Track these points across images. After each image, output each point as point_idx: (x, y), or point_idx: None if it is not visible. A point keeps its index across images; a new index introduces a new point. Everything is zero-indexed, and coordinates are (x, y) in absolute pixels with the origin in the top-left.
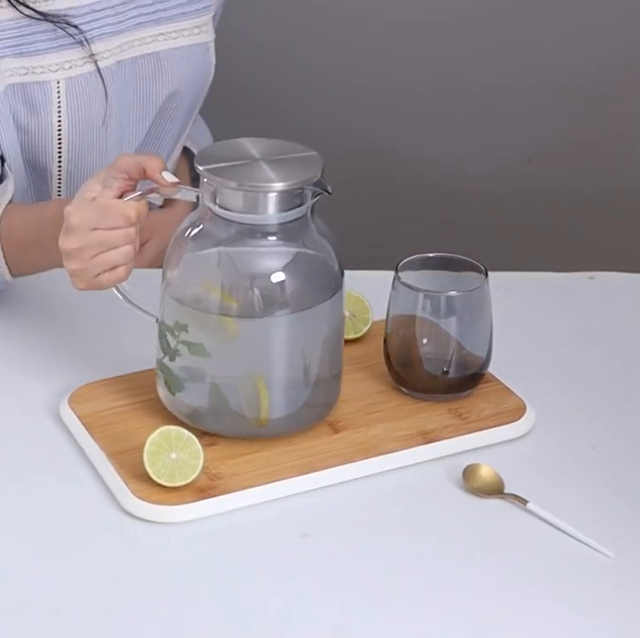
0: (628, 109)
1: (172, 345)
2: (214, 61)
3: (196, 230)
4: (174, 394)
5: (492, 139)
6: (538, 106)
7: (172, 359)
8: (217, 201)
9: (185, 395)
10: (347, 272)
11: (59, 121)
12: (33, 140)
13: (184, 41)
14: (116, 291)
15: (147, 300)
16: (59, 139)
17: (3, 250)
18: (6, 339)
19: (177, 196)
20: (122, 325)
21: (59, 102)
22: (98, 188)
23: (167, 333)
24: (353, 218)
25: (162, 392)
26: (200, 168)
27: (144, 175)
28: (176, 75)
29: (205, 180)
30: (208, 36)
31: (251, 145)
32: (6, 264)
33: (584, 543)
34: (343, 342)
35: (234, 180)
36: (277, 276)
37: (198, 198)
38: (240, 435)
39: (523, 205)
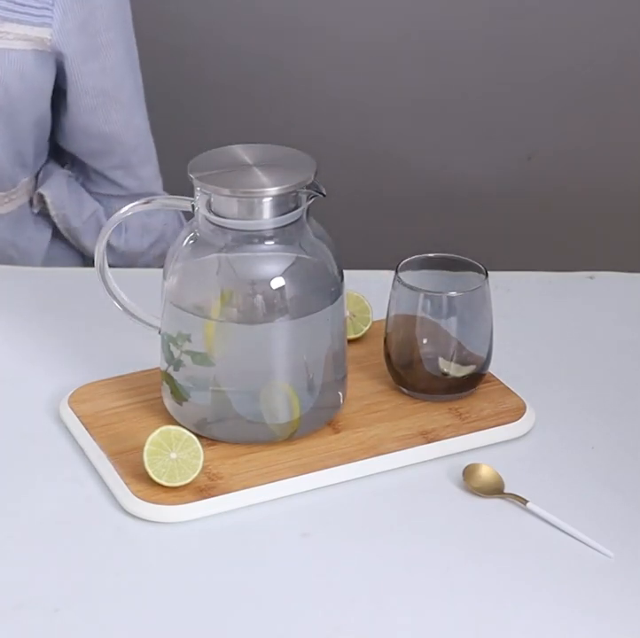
0: (629, 108)
1: (176, 355)
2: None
3: (193, 239)
4: (180, 404)
5: (491, 137)
6: (538, 104)
7: (176, 369)
8: (212, 209)
9: (192, 405)
10: (346, 272)
11: None
12: None
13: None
14: (116, 304)
15: (147, 309)
16: None
17: None
18: (6, 339)
19: (172, 207)
20: (123, 325)
21: None
22: None
23: (171, 344)
24: (353, 218)
25: (169, 402)
26: (194, 177)
27: None
28: None
29: (198, 188)
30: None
31: (243, 152)
32: None
33: (584, 543)
34: (346, 343)
35: (228, 187)
36: (277, 281)
37: (193, 206)
38: (250, 442)
39: (523, 204)
